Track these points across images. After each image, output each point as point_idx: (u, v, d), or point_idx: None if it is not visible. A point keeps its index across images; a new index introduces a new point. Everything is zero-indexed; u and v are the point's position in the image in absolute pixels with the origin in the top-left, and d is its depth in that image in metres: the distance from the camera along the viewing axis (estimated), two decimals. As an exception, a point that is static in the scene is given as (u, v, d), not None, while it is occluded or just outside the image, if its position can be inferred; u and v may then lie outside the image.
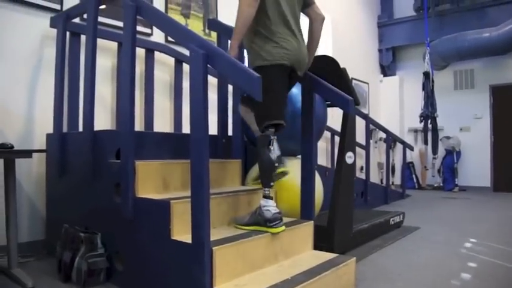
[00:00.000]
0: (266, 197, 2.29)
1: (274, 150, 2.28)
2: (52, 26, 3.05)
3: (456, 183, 7.85)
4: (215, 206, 2.18)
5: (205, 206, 1.82)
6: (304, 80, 2.66)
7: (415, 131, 8.60)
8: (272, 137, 2.30)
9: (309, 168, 2.66)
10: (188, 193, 1.92)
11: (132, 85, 2.25)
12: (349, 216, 3.02)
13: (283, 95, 2.40)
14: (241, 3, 2.25)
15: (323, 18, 2.68)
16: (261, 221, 2.24)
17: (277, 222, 2.24)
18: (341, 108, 2.73)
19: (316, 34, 2.69)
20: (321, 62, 2.89)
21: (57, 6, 3.17)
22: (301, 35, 2.57)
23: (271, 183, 2.33)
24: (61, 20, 2.93)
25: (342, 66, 3.21)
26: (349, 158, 2.92)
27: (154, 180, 2.33)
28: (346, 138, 2.81)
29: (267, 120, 2.30)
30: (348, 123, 2.79)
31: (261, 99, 1.71)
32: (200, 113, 1.82)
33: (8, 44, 2.91)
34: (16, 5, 2.96)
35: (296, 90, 2.85)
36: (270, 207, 2.26)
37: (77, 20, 3.06)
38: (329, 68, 3.01)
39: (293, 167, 2.91)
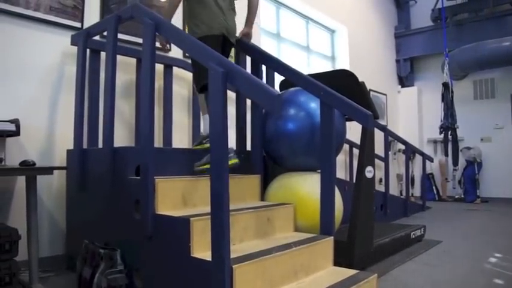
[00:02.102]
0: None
1: None
2: (73, 43, 3.11)
3: (478, 194, 7.69)
4: (235, 222, 2.17)
5: (225, 223, 1.81)
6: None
7: (435, 141, 8.49)
8: None
9: (328, 184, 2.63)
10: (208, 209, 1.92)
11: (151, 102, 2.27)
12: (369, 231, 2.97)
13: None
14: None
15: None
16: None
17: (230, 155, 2.55)
18: (360, 123, 2.71)
19: (253, 9, 3.25)
20: (340, 76, 2.88)
21: (78, 24, 3.24)
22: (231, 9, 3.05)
23: None
24: (82, 38, 2.98)
25: (360, 79, 3.20)
26: (368, 172, 2.88)
27: (174, 197, 2.34)
28: (365, 152, 2.77)
29: (203, 81, 2.72)
30: (367, 137, 2.76)
31: (280, 115, 1.71)
32: (220, 131, 1.82)
33: (30, 61, 2.97)
34: (38, 24, 3.03)
35: (315, 105, 2.84)
36: None
37: (96, 37, 3.11)
38: (347, 82, 2.99)
39: (313, 183, 2.88)
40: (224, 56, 2.80)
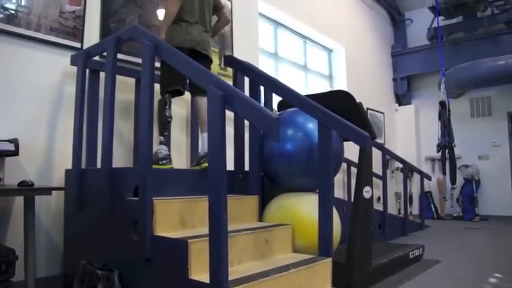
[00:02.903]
0: (161, 142, 3.06)
1: (169, 109, 3.06)
2: (72, 63, 3.12)
3: (476, 212, 7.68)
4: (233, 244, 2.16)
5: (223, 245, 1.82)
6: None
7: (432, 159, 8.51)
8: (168, 100, 3.06)
9: (326, 204, 2.63)
10: (206, 230, 1.92)
11: (150, 123, 2.29)
12: (367, 252, 2.97)
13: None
14: (167, 3, 3.05)
15: (228, 21, 3.69)
16: (155, 160, 2.87)
17: (166, 160, 2.99)
18: (358, 144, 2.72)
19: (220, 27, 3.63)
20: (337, 97, 2.91)
21: (78, 44, 3.26)
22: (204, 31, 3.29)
23: (165, 133, 3.11)
24: (81, 58, 3.00)
25: (357, 97, 3.22)
26: (366, 192, 2.89)
27: (172, 218, 2.33)
28: (363, 173, 2.78)
29: (167, 88, 3.06)
30: (364, 158, 2.78)
31: (279, 140, 1.73)
32: (218, 153, 1.83)
33: (30, 80, 2.98)
34: (38, 44, 3.04)
35: (313, 126, 2.86)
36: (163, 150, 3.01)
37: (96, 57, 3.13)
38: (345, 103, 3.02)
39: (311, 203, 2.88)
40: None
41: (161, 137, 3.10)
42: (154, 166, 2.66)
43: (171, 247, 2.10)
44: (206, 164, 2.85)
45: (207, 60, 3.26)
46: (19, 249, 2.49)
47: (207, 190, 1.89)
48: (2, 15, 2.85)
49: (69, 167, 2.94)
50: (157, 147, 2.95)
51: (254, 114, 1.81)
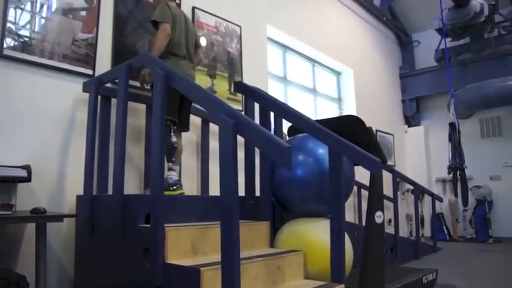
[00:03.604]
0: (170, 169, 3.16)
1: (174, 136, 3.19)
2: (85, 90, 3.16)
3: (490, 234, 7.55)
4: (245, 271, 2.14)
5: (236, 273, 1.81)
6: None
7: (443, 180, 8.43)
8: (172, 127, 3.17)
9: (338, 230, 2.61)
10: (218, 257, 1.91)
11: (161, 150, 2.31)
12: (380, 278, 2.92)
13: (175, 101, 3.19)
14: (158, 37, 3.13)
15: (200, 62, 3.81)
16: (166, 186, 2.95)
17: (177, 186, 3.12)
18: (369, 170, 2.71)
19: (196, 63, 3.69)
20: (347, 122, 2.91)
21: (90, 71, 3.30)
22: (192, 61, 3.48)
23: (173, 159, 3.19)
24: (93, 85, 3.05)
25: (366, 120, 3.22)
26: (378, 217, 2.86)
27: (184, 245, 2.33)
28: (374, 198, 2.76)
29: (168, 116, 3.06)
30: (375, 184, 2.75)
31: (292, 169, 1.73)
32: (231, 180, 1.84)
33: (42, 107, 3.03)
34: (51, 71, 3.10)
35: (323, 151, 2.86)
36: (173, 176, 3.15)
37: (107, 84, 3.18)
38: (355, 128, 3.02)
39: (322, 229, 2.86)
40: (186, 102, 3.31)
41: (169, 164, 3.17)
42: (165, 192, 2.70)
43: (183, 275, 2.09)
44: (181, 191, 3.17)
45: None
46: (30, 275, 2.48)
47: (219, 217, 1.89)
48: (16, 43, 2.92)
49: (81, 192, 2.95)
50: (166, 173, 3.00)
51: (266, 143, 1.82)
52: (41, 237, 2.56)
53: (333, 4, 7.04)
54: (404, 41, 9.34)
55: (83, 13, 3.31)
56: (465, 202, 7.28)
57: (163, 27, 3.14)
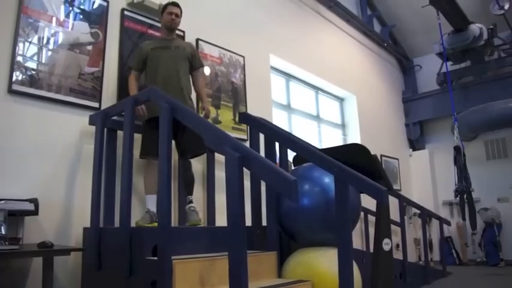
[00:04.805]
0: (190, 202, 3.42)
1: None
2: (91, 123, 3.20)
3: (501, 257, 7.44)
4: (253, 304, 2.13)
5: (244, 307, 1.80)
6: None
7: (450, 203, 8.36)
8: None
9: (346, 259, 2.59)
10: (225, 289, 1.90)
11: (168, 183, 2.33)
12: (390, 306, 2.89)
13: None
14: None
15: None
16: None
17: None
18: (375, 198, 2.71)
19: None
20: (352, 150, 2.93)
21: (96, 104, 3.35)
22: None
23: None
24: (100, 118, 3.08)
25: (370, 145, 3.25)
26: (386, 244, 2.85)
27: (192, 277, 2.32)
28: (381, 226, 2.76)
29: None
30: (382, 212, 2.76)
31: (298, 202, 1.75)
32: (237, 213, 1.85)
33: (49, 140, 3.06)
34: (58, 105, 3.14)
35: (329, 180, 2.87)
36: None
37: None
38: (360, 156, 3.03)
39: (330, 258, 2.85)
40: (179, 134, 3.31)
41: (189, 196, 3.39)
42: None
43: (190, 309, 2.08)
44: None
45: None
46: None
47: (226, 248, 1.89)
48: (24, 77, 2.97)
49: (88, 224, 2.96)
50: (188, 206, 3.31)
51: (272, 176, 1.84)
52: (48, 271, 2.55)
53: (334, 32, 7.15)
54: (406, 66, 9.43)
55: (89, 47, 3.39)
56: (473, 226, 7.20)
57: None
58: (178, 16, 3.58)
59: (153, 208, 3.14)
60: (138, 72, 3.52)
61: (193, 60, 3.63)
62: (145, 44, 3.56)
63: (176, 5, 3.58)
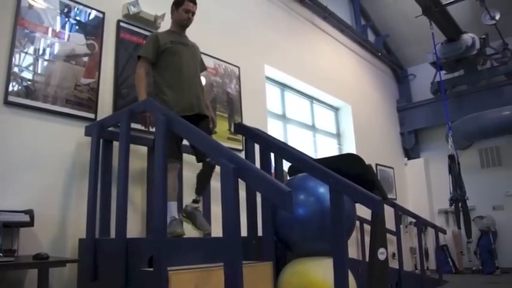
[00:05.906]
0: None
1: None
2: (87, 134, 3.20)
3: (497, 265, 7.45)
4: (249, 315, 2.13)
5: (240, 319, 1.80)
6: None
7: (446, 212, 8.39)
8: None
9: (341, 269, 2.60)
10: (221, 301, 1.90)
11: (164, 194, 2.33)
12: (386, 316, 2.89)
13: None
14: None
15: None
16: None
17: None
18: (370, 209, 2.73)
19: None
20: (347, 161, 2.95)
21: (92, 115, 3.34)
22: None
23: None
24: (95, 129, 3.09)
25: (366, 154, 3.27)
26: (381, 254, 2.86)
27: (187, 289, 2.32)
28: (376, 236, 2.78)
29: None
30: (377, 222, 2.78)
31: (293, 213, 1.76)
32: (232, 223, 1.86)
33: (45, 151, 3.05)
34: (54, 116, 3.14)
35: (324, 190, 2.88)
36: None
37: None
38: (355, 166, 3.05)
39: (326, 268, 2.85)
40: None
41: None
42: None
43: (186, 320, 2.07)
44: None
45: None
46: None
47: (222, 258, 1.90)
48: (20, 88, 2.98)
49: (83, 235, 2.95)
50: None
51: (267, 187, 1.85)
52: (43, 282, 2.53)
53: (329, 42, 7.22)
54: (400, 75, 9.52)
55: (85, 59, 3.40)
56: (468, 234, 7.22)
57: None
58: (194, 14, 3.36)
59: (175, 213, 2.99)
60: (149, 65, 3.25)
61: (201, 62, 3.55)
62: (159, 34, 3.32)
63: (194, 1, 3.34)
